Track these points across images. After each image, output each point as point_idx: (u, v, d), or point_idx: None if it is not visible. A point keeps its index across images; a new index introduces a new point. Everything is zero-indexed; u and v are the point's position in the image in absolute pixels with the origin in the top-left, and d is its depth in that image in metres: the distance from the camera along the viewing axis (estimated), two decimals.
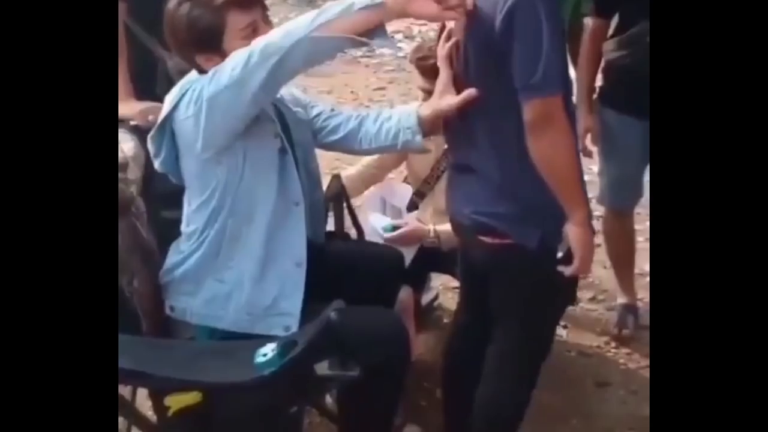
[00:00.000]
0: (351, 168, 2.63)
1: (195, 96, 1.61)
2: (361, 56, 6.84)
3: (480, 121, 1.63)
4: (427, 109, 1.77)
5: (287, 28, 1.54)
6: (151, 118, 2.04)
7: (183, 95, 1.64)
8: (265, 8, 1.70)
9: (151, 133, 1.71)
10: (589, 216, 1.65)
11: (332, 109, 1.94)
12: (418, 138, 1.80)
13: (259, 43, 1.55)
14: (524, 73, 1.50)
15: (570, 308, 2.29)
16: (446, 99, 1.67)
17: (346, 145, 1.94)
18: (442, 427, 2.10)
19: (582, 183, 1.62)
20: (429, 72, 2.17)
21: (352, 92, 5.65)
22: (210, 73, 1.61)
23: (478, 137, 1.65)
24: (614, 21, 2.47)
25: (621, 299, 2.81)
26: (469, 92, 1.61)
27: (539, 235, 1.60)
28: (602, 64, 2.51)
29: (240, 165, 1.68)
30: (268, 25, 1.69)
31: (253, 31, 1.64)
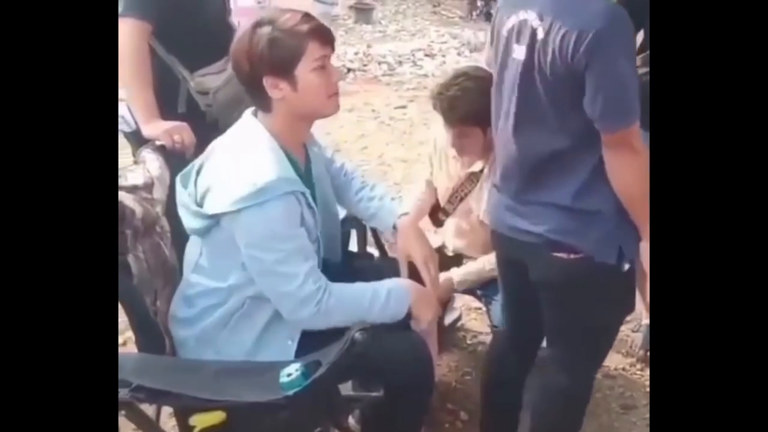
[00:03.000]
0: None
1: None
2: (382, 75, 6.88)
3: (548, 156, 1.65)
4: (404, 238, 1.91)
5: (348, 311, 1.69)
6: (176, 137, 2.06)
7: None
8: (333, 49, 1.74)
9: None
10: None
11: (363, 181, 2.05)
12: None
13: (324, 302, 1.66)
14: (606, 106, 1.52)
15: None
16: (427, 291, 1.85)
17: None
18: None
19: None
20: (448, 114, 2.17)
21: (373, 111, 5.68)
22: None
23: (546, 171, 1.67)
24: (639, 36, 2.45)
25: (646, 320, 2.77)
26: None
27: (617, 250, 1.64)
28: None
29: None
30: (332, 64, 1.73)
31: (322, 66, 1.67)
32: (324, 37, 1.68)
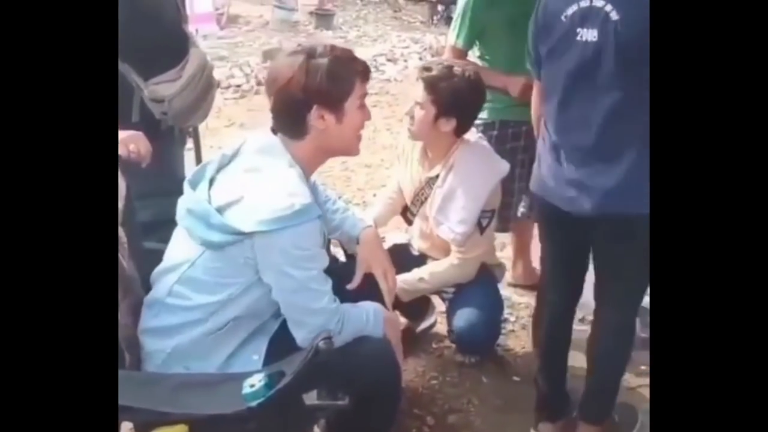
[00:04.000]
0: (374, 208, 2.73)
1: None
2: None
3: (614, 128, 1.83)
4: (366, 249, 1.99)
5: (355, 330, 1.76)
6: (132, 147, 2.02)
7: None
8: None
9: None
10: None
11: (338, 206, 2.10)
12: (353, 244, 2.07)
13: (341, 321, 1.73)
14: None
15: (585, 327, 2.39)
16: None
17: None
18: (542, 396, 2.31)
19: None
20: (430, 86, 2.26)
21: None
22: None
23: (611, 143, 1.85)
24: None
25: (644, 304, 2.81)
26: None
27: None
28: None
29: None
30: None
31: (362, 105, 1.77)
32: (367, 76, 1.79)
